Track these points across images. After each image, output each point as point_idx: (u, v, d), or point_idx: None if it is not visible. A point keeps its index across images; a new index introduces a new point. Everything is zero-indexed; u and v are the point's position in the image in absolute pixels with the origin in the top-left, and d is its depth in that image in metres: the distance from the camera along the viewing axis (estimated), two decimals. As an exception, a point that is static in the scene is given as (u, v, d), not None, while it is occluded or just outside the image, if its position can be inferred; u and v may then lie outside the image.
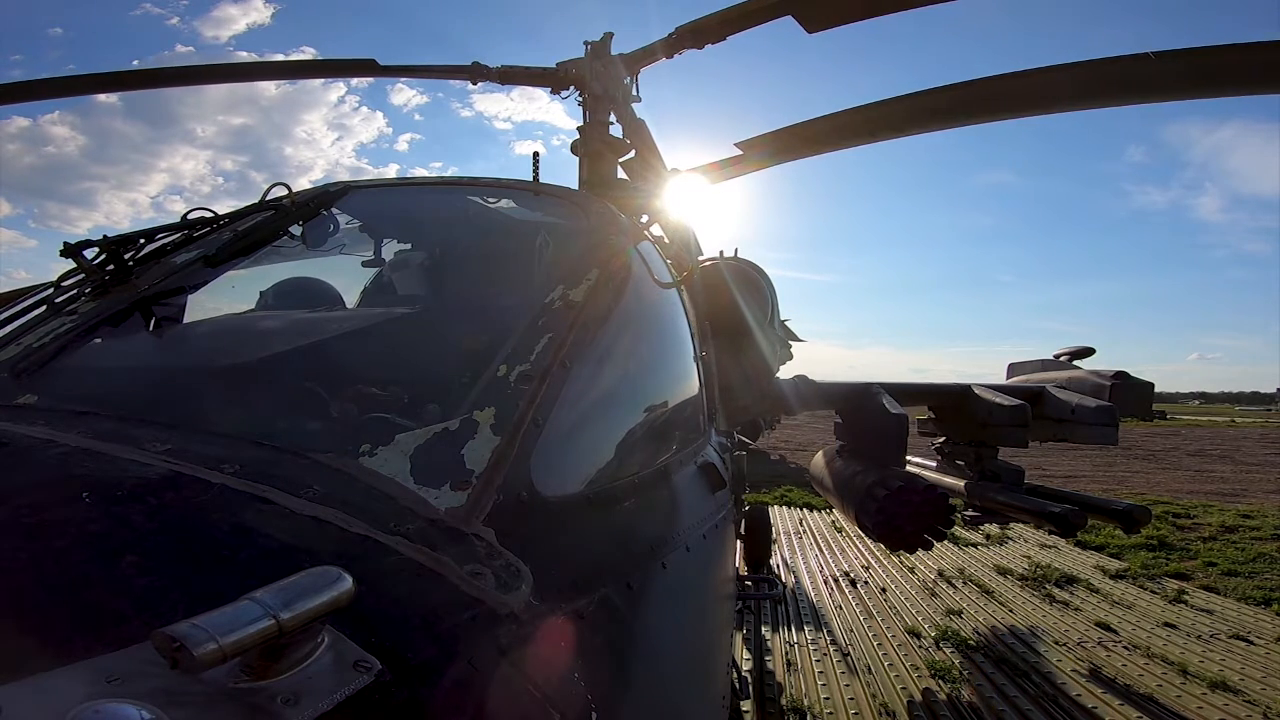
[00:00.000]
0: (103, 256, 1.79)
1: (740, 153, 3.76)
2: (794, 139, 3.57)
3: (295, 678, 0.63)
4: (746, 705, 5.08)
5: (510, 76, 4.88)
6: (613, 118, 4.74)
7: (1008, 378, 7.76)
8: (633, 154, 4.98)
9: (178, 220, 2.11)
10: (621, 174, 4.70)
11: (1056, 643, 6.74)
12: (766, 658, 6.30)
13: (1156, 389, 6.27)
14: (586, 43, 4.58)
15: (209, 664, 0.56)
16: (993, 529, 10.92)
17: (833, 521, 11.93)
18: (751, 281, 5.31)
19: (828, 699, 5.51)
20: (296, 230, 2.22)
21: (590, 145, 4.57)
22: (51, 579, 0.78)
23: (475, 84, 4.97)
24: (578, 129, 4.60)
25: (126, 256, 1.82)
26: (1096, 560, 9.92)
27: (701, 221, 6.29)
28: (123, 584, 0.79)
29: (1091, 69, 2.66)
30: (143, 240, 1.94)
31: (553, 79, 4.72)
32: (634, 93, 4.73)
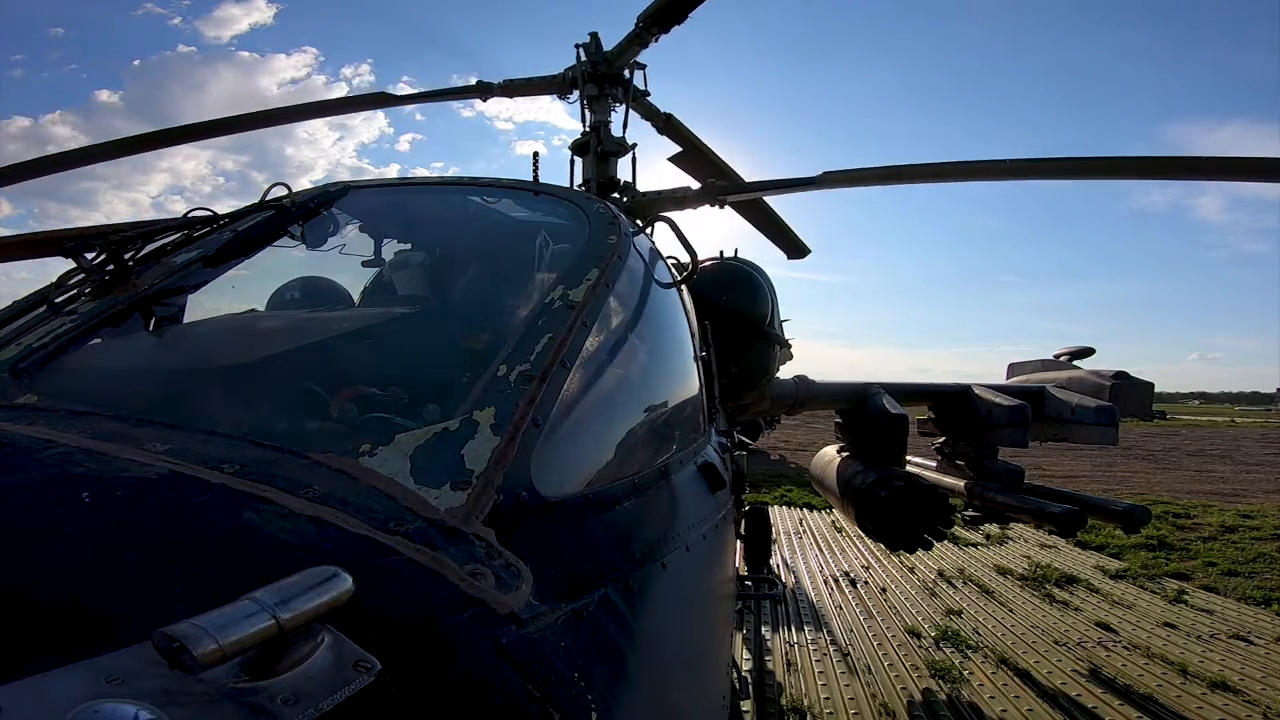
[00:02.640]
0: (103, 256, 1.79)
1: (816, 175, 4.14)
2: (872, 175, 4.11)
3: (295, 678, 0.63)
4: (746, 705, 5.07)
5: (515, 89, 4.94)
6: (614, 118, 4.74)
7: (1008, 378, 7.76)
8: (676, 150, 5.03)
9: (178, 220, 2.11)
10: (626, 172, 4.70)
11: (1056, 643, 6.74)
12: (766, 658, 6.30)
13: (1156, 389, 6.27)
14: (577, 45, 4.59)
15: (209, 664, 0.56)
16: (993, 529, 10.92)
17: (833, 521, 11.94)
18: (751, 281, 5.31)
19: (828, 699, 5.52)
20: (296, 230, 2.22)
21: (591, 145, 4.58)
22: (51, 579, 0.78)
23: (484, 101, 5.04)
24: (590, 127, 4.62)
25: (126, 256, 1.82)
26: (1096, 560, 9.93)
27: (715, 222, 6.31)
28: (123, 584, 0.79)
29: (1128, 161, 3.71)
30: (143, 240, 1.94)
31: (556, 85, 4.74)
32: (642, 87, 4.73)
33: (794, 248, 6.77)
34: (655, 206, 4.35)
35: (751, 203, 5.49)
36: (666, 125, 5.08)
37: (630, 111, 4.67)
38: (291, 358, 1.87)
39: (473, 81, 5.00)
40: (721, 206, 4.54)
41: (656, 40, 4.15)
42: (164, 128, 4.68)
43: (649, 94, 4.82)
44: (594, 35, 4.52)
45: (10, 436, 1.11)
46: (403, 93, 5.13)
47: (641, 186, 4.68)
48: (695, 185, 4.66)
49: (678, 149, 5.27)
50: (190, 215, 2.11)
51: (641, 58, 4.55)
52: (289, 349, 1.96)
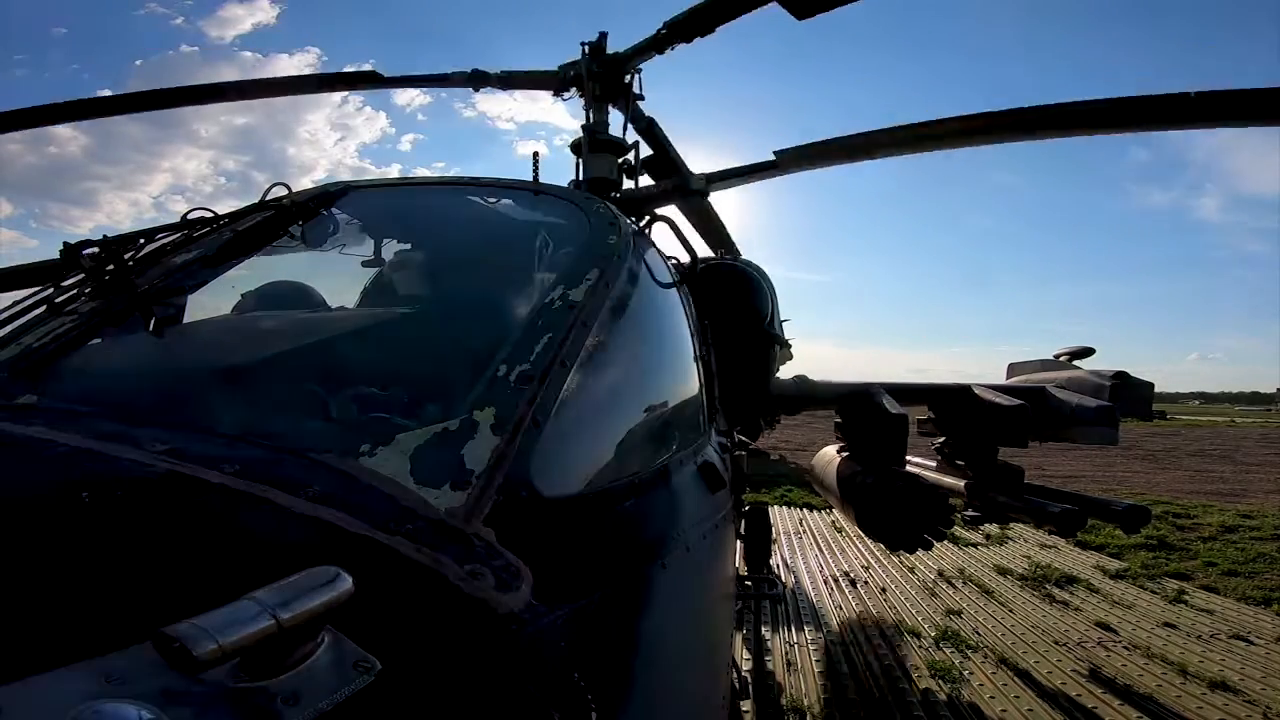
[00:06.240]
0: (103, 256, 1.79)
1: (774, 159, 3.97)
2: (830, 149, 3.87)
3: (295, 678, 0.63)
4: (746, 705, 5.07)
5: (511, 82, 4.90)
6: (614, 118, 4.73)
7: (1008, 378, 7.74)
8: (649, 153, 5.02)
9: (178, 220, 2.11)
10: (627, 173, 4.69)
11: (1056, 643, 6.74)
12: (766, 658, 6.30)
13: (1156, 389, 6.26)
14: (583, 43, 4.58)
15: (209, 664, 0.56)
16: (993, 529, 10.91)
17: (833, 521, 11.93)
18: (751, 281, 5.31)
19: (828, 699, 5.52)
20: (296, 230, 2.22)
21: (590, 145, 4.58)
22: (51, 579, 0.78)
23: (477, 90, 4.99)
24: (582, 128, 4.61)
25: (126, 256, 1.82)
26: (1096, 560, 9.92)
27: (707, 221, 6.32)
28: (123, 584, 0.79)
29: (1122, 103, 3.10)
30: (143, 240, 1.95)
31: (553, 81, 4.73)
32: (637, 91, 4.73)
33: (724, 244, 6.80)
34: (647, 204, 4.33)
35: (700, 204, 5.42)
36: (647, 130, 5.09)
37: (623, 112, 4.65)
38: (291, 357, 1.87)
39: (468, 70, 4.97)
40: (704, 197, 4.52)
41: (673, 49, 4.11)
42: (148, 90, 4.65)
43: (643, 97, 4.81)
44: (603, 35, 4.51)
45: (10, 436, 1.11)
46: (395, 78, 5.02)
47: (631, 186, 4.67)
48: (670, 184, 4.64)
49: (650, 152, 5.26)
50: (190, 215, 2.11)
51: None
52: (289, 349, 1.95)
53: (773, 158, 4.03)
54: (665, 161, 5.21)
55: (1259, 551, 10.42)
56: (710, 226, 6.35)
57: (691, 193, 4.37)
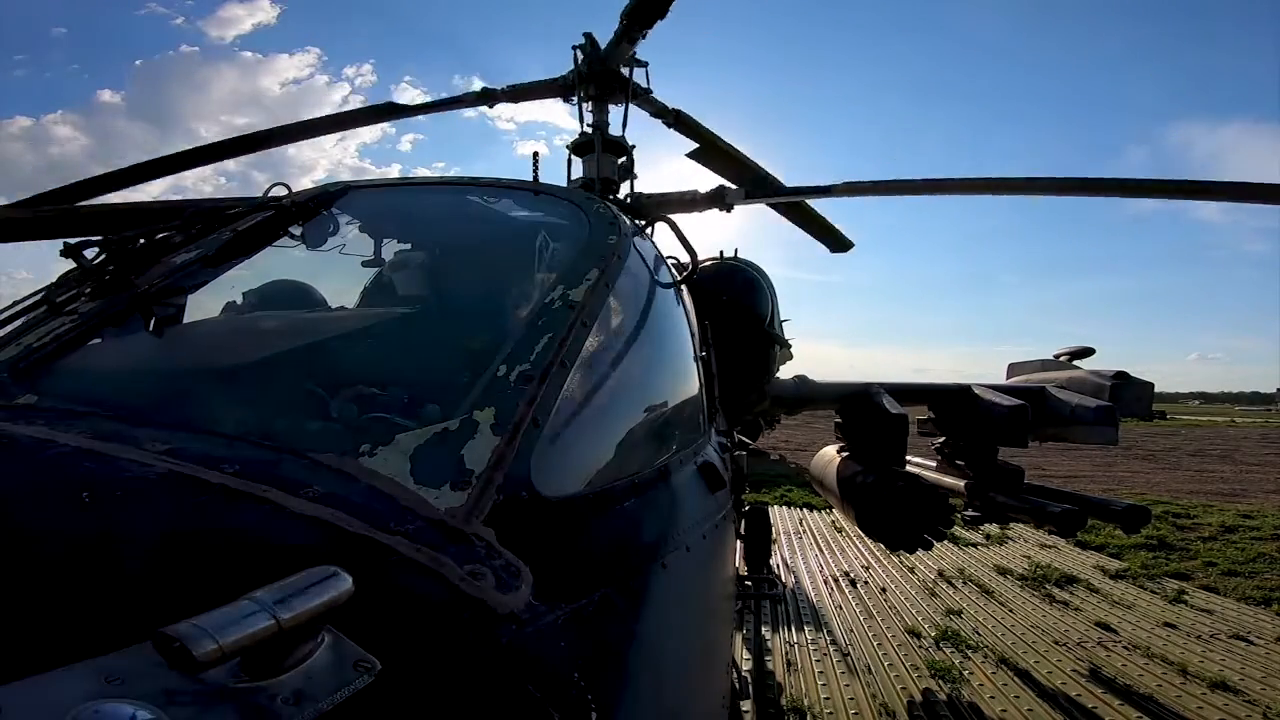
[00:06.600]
0: (103, 256, 1.79)
1: (832, 185, 4.33)
2: (883, 186, 4.35)
3: (295, 678, 0.63)
4: (746, 705, 5.07)
5: (519, 94, 4.92)
6: (634, 116, 4.75)
7: (1008, 378, 7.74)
8: (693, 146, 5.07)
9: (178, 221, 2.11)
10: (622, 173, 4.69)
11: (1056, 643, 6.74)
12: (766, 658, 6.30)
13: (1156, 389, 6.26)
14: (574, 46, 4.57)
15: (209, 664, 0.56)
16: (993, 529, 10.92)
17: (833, 521, 11.94)
18: (752, 282, 5.32)
19: (828, 699, 5.52)
20: (296, 230, 2.22)
21: (591, 145, 4.58)
22: (51, 579, 0.78)
23: (491, 107, 5.00)
24: (590, 128, 4.61)
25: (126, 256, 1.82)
26: (1096, 560, 9.93)
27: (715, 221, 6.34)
28: (123, 584, 0.79)
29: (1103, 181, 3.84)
30: (143, 240, 1.94)
31: (558, 88, 4.73)
32: (645, 85, 4.72)
33: (836, 242, 6.72)
34: (660, 208, 4.33)
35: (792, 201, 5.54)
36: (676, 122, 5.04)
37: (635, 110, 4.64)
38: (292, 358, 1.87)
39: (477, 87, 5.00)
40: (729, 211, 4.55)
41: (644, 37, 4.09)
42: (172, 153, 4.62)
43: (651, 91, 4.80)
44: (588, 35, 4.49)
45: (10, 436, 1.11)
46: (410, 103, 5.11)
47: (650, 184, 4.69)
48: (702, 189, 4.65)
49: (692, 145, 5.23)
50: (189, 207, 2.11)
51: (643, 55, 4.53)
52: (289, 349, 1.95)
53: (834, 183, 4.33)
54: (715, 151, 5.18)
55: (1259, 551, 10.43)
56: (806, 219, 6.32)
57: (726, 204, 4.45)
